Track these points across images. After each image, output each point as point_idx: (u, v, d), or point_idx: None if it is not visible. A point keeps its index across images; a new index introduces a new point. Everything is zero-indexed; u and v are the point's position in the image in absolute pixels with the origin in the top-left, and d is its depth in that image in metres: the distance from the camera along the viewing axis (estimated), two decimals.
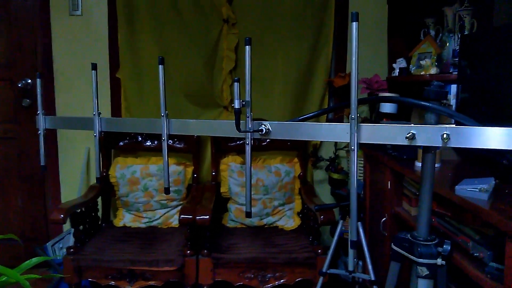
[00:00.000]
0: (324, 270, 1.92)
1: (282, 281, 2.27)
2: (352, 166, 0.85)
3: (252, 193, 2.58)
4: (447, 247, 0.90)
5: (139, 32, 2.71)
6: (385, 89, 2.53)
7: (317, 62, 2.75)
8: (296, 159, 2.68)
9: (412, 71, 2.35)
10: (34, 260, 1.12)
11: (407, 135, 0.81)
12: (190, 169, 2.71)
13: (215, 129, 1.02)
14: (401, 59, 2.51)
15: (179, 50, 2.72)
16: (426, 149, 0.88)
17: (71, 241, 2.67)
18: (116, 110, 2.81)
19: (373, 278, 1.82)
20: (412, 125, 0.83)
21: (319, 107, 2.76)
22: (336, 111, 2.58)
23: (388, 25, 2.80)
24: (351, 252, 1.87)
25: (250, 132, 0.94)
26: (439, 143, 0.80)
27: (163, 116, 1.05)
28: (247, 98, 0.94)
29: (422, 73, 2.23)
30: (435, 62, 2.23)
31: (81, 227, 2.37)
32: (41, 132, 1.24)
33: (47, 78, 2.77)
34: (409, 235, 0.94)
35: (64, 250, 2.69)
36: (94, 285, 2.46)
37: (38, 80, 1.22)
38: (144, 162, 2.66)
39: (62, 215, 2.16)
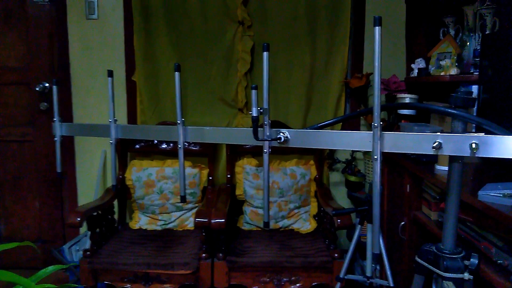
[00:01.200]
0: (341, 275, 1.88)
1: (298, 285, 2.24)
2: (375, 176, 0.81)
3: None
4: (474, 260, 0.85)
5: (155, 35, 2.71)
6: (403, 90, 2.47)
7: (333, 62, 2.71)
8: (312, 162, 2.65)
9: (431, 72, 2.30)
10: (50, 268, 1.11)
11: (434, 145, 0.77)
12: (205, 172, 2.69)
13: (232, 137, 1.00)
14: (420, 59, 2.45)
15: (194, 52, 2.71)
16: (453, 158, 0.84)
17: (87, 243, 2.68)
18: (132, 113, 2.81)
19: (391, 285, 1.78)
20: (439, 133, 0.79)
21: (336, 108, 2.72)
22: (358, 117, 2.51)
23: (406, 24, 2.74)
24: (369, 257, 1.83)
25: (268, 140, 0.91)
26: (467, 153, 0.77)
27: (179, 123, 1.03)
28: (265, 106, 0.92)
29: (442, 73, 2.17)
30: (455, 62, 2.17)
31: (97, 230, 2.37)
32: (57, 139, 1.24)
33: (64, 81, 2.79)
34: (434, 247, 0.90)
35: (81, 252, 2.70)
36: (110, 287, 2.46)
37: (54, 87, 1.21)
38: (159, 164, 2.66)
39: (79, 219, 2.17)
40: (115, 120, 1.14)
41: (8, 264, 2.91)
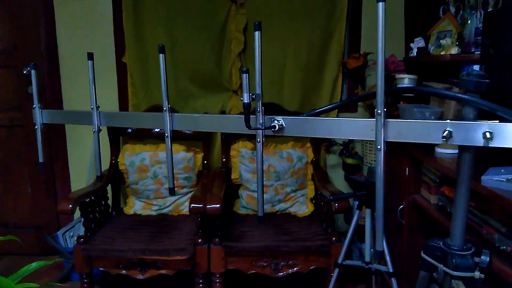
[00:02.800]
0: (340, 261, 1.83)
1: (295, 269, 2.20)
2: (378, 168, 0.73)
3: (263, 179, 2.48)
4: (485, 258, 0.78)
5: (145, 15, 2.58)
6: (402, 70, 2.38)
7: (330, 42, 2.60)
8: (308, 144, 2.57)
9: (431, 51, 2.20)
10: (34, 265, 1.04)
11: (444, 134, 0.69)
12: (200, 156, 2.61)
13: (224, 125, 0.92)
14: (419, 38, 2.35)
15: (186, 32, 2.59)
16: (463, 148, 0.76)
17: (81, 229, 2.62)
18: (123, 96, 2.71)
19: (391, 270, 1.73)
20: (448, 121, 0.71)
21: (332, 89, 2.62)
22: (358, 102, 2.37)
23: (405, 1, 2.62)
24: (368, 242, 1.77)
25: (262, 129, 0.83)
26: (480, 143, 0.69)
27: (165, 110, 0.94)
28: (257, 91, 0.83)
29: (442, 53, 2.08)
30: (455, 41, 2.07)
31: (91, 216, 2.30)
32: (38, 127, 1.15)
33: (52, 64, 2.67)
34: (441, 243, 0.83)
35: (75, 238, 2.64)
36: (106, 274, 2.41)
37: (33, 72, 1.11)
38: (153, 149, 2.57)
39: (70, 205, 2.10)
40: (98, 107, 1.05)
41: (5, 250, 2.85)
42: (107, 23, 2.64)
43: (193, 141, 2.63)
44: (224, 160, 2.63)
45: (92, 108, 1.04)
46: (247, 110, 0.80)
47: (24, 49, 2.65)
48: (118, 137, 2.65)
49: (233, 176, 2.56)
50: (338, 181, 2.74)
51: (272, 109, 2.52)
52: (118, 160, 2.56)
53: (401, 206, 2.07)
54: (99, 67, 2.70)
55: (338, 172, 2.75)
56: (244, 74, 0.79)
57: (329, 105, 0.89)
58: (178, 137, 2.53)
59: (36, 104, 1.13)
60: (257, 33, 0.83)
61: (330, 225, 2.22)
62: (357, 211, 1.79)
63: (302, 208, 2.53)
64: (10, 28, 2.64)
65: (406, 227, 2.02)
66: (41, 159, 1.15)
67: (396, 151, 2.15)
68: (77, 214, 2.62)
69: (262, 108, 0.83)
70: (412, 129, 0.73)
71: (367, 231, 1.78)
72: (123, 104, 2.71)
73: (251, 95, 0.80)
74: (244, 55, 2.63)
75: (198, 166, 2.61)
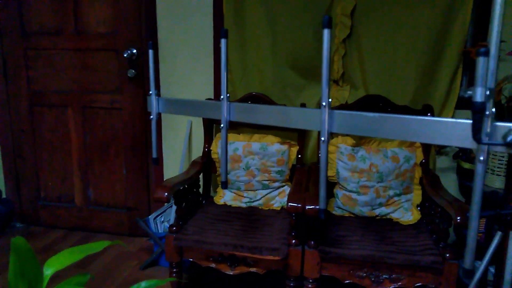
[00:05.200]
0: None
1: (399, 283, 1.86)
2: None
3: (363, 180, 2.15)
4: None
5: None
6: None
7: (451, 28, 2.15)
8: (418, 143, 2.18)
9: None
10: None
11: None
12: (294, 149, 2.33)
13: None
14: None
15: (288, 17, 2.29)
16: None
17: (172, 215, 2.48)
18: (219, 84, 2.49)
19: None
20: None
21: (450, 83, 2.19)
22: None
23: None
24: (509, 271, 1.39)
25: (493, 144, 0.51)
26: None
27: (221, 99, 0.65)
28: (490, 84, 0.51)
29: None
30: None
31: (183, 204, 2.13)
32: (153, 117, 0.92)
33: (152, 48, 2.52)
34: None
35: (166, 223, 2.51)
36: (194, 264, 2.25)
37: (150, 52, 0.88)
38: (246, 139, 2.34)
39: (166, 194, 1.93)
40: (228, 97, 0.80)
41: (97, 228, 2.82)
42: (207, 7, 2.43)
43: (288, 132, 2.36)
44: (320, 155, 2.32)
45: (222, 99, 0.79)
46: (479, 116, 0.49)
47: (125, 33, 2.52)
48: (212, 124, 2.45)
49: (330, 173, 2.25)
50: (449, 187, 2.31)
51: (378, 102, 2.16)
52: (211, 148, 2.37)
53: None
54: (196, 52, 2.53)
55: (449, 177, 2.32)
56: (482, 58, 0.48)
57: None
58: (272, 127, 2.28)
59: (152, 90, 0.90)
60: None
61: (443, 239, 1.84)
62: (500, 233, 1.40)
63: (407, 215, 2.16)
64: (112, 12, 2.52)
65: None
66: (154, 154, 0.93)
67: None
68: None
69: (492, 111, 0.52)
70: None
71: (510, 258, 1.39)
72: (218, 92, 2.50)
73: (487, 92, 0.49)
74: (349, 41, 2.28)
75: (292, 160, 2.33)
